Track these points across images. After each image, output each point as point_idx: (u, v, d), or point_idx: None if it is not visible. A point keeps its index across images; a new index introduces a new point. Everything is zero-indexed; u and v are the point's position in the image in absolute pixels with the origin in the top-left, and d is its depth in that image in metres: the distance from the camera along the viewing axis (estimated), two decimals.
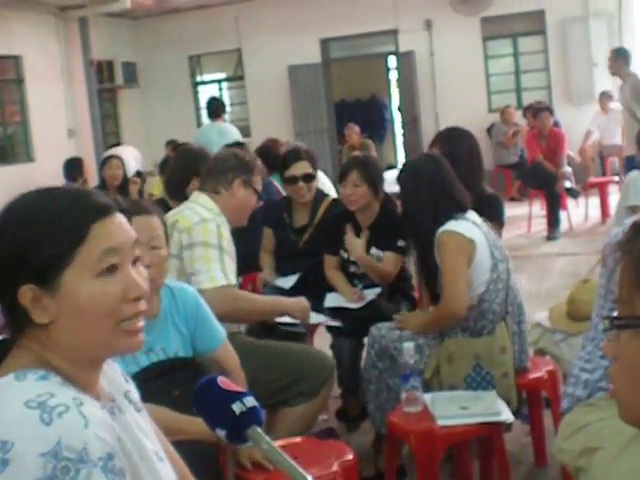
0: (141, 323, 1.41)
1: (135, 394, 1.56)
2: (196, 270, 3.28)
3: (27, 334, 1.36)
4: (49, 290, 1.33)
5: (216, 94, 15.97)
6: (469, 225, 3.37)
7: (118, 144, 13.19)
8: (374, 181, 4.15)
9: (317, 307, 4.14)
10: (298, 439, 2.97)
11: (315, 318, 3.95)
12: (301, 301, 3.63)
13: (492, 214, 4.02)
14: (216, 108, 9.42)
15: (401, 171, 3.68)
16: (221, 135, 9.03)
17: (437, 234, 3.35)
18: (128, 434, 1.40)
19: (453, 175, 3.52)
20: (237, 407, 1.39)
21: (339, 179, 4.24)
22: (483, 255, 3.34)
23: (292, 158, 4.64)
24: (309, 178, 4.58)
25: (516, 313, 3.55)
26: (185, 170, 4.50)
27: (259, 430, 1.39)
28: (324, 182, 6.00)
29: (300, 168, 4.57)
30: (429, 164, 3.55)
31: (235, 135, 8.95)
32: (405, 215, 3.63)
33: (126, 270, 1.38)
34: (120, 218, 1.41)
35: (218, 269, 3.31)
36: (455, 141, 4.14)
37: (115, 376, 1.53)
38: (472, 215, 3.45)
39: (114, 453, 1.27)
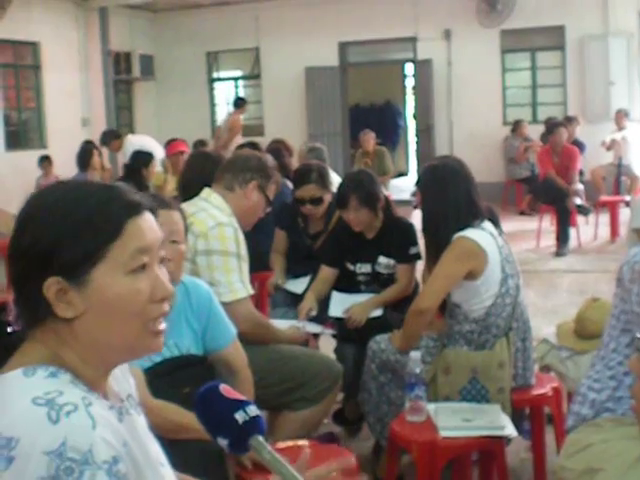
0: (164, 325, 1.39)
1: (136, 398, 1.52)
2: (215, 280, 3.26)
3: (45, 327, 1.33)
4: (77, 284, 1.31)
5: (232, 91, 16.02)
6: (485, 235, 3.34)
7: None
8: (373, 201, 4.11)
9: (325, 309, 4.13)
10: (298, 443, 2.95)
11: (311, 328, 3.95)
12: (299, 335, 3.76)
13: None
14: None
15: (425, 172, 3.59)
16: None
17: (453, 239, 3.32)
18: (135, 437, 1.37)
19: (474, 182, 3.49)
20: (240, 416, 1.35)
21: (338, 204, 4.20)
22: (494, 267, 3.32)
23: (301, 180, 4.61)
24: (317, 201, 4.57)
25: (521, 329, 3.51)
26: (202, 176, 4.24)
27: (261, 439, 1.36)
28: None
29: (308, 191, 4.55)
30: (457, 167, 3.49)
31: None
32: (425, 218, 3.51)
33: (154, 270, 1.37)
34: (150, 216, 1.39)
35: (237, 280, 3.32)
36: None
37: (122, 378, 1.51)
38: (489, 226, 3.43)
39: (119, 458, 1.24)
